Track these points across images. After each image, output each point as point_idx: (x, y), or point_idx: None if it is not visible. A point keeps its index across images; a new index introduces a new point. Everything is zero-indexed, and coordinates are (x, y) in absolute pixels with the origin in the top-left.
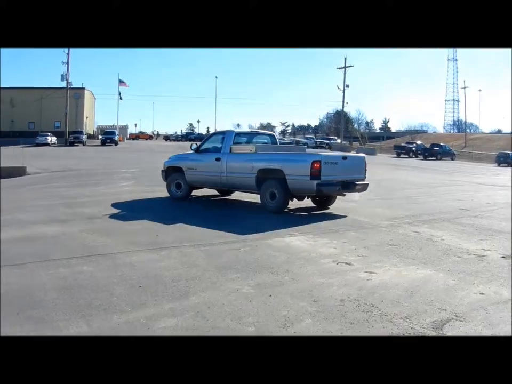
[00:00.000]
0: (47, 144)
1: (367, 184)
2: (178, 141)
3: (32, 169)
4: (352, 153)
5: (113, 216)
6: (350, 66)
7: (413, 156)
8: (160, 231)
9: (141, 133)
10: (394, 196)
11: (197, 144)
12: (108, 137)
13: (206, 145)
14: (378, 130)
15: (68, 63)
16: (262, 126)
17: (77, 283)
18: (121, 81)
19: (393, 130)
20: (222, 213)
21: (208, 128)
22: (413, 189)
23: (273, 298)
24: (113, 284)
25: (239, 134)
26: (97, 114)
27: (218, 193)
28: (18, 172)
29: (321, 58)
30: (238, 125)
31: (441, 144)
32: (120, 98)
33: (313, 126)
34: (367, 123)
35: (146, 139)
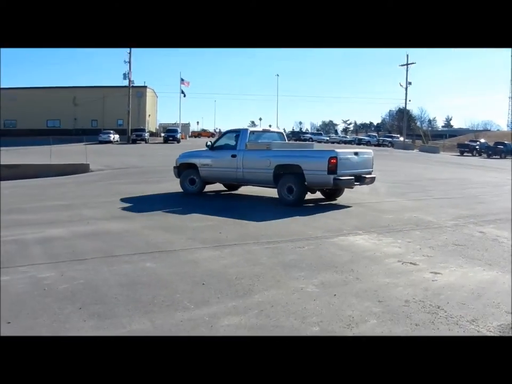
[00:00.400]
0: (109, 142)
1: (374, 177)
2: None
3: (95, 166)
4: (362, 149)
5: (175, 212)
6: (412, 63)
7: (477, 154)
8: (222, 228)
9: (203, 130)
10: (458, 194)
11: (211, 142)
12: (170, 135)
13: (220, 143)
14: (440, 128)
15: (130, 62)
16: (324, 124)
17: (140, 279)
18: (182, 80)
19: (456, 128)
20: (263, 208)
21: (270, 125)
22: (477, 188)
23: (337, 298)
24: (176, 281)
25: (252, 132)
26: (160, 112)
27: (225, 188)
28: (82, 168)
29: (383, 56)
30: (300, 123)
31: (505, 142)
32: (184, 96)
33: (375, 123)
34: (429, 121)
35: (209, 136)
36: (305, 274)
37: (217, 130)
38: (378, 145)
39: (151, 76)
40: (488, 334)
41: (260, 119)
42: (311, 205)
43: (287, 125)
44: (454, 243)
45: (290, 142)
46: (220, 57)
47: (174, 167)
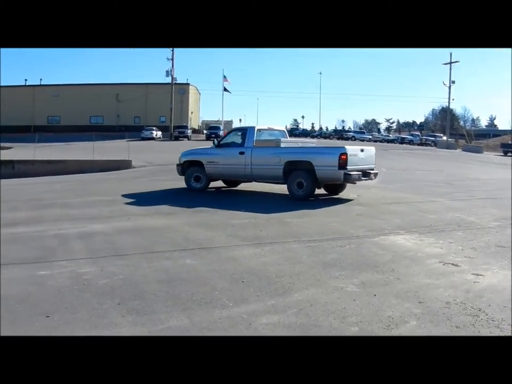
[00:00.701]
0: (152, 139)
1: (377, 172)
2: None
3: (137, 162)
4: (366, 147)
5: (213, 208)
6: (456, 62)
7: None
8: (262, 226)
9: None
10: (502, 195)
11: (217, 140)
12: (212, 132)
13: (226, 140)
14: (484, 128)
15: (172, 59)
16: (367, 122)
17: (179, 276)
18: (225, 77)
19: (500, 127)
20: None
21: (312, 124)
22: None
23: (377, 298)
24: (216, 278)
25: (259, 130)
26: (202, 109)
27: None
28: (124, 164)
29: (427, 54)
30: (343, 121)
31: None
32: (229, 92)
33: (418, 122)
34: (473, 120)
35: None
36: (345, 274)
37: None
38: (421, 144)
39: (194, 73)
40: None
41: (303, 117)
42: (312, 199)
43: (330, 123)
44: (497, 244)
45: (293, 138)
46: (263, 55)
47: (177, 165)
